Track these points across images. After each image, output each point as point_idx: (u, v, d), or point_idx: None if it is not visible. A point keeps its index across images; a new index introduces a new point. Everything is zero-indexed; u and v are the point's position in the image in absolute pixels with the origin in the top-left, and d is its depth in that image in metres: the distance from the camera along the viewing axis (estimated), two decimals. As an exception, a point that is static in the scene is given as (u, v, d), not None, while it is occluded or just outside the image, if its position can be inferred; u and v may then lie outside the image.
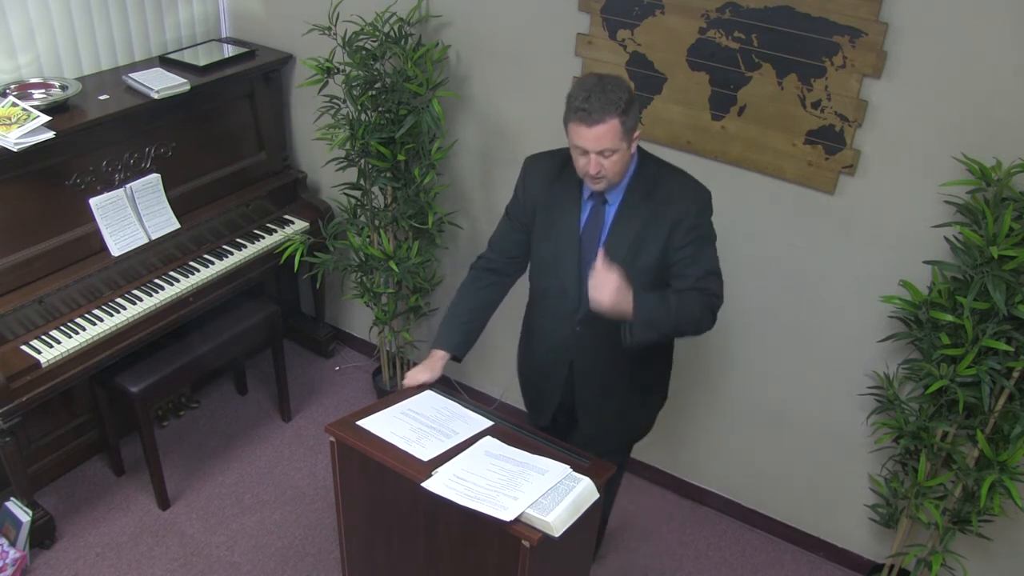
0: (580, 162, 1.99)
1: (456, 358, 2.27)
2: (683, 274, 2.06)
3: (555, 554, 1.91)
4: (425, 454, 1.97)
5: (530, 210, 2.18)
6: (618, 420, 2.35)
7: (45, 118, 2.58)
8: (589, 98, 1.89)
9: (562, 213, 2.12)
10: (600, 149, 1.93)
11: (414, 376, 2.22)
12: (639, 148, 2.07)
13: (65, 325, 2.70)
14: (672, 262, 2.07)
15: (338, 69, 2.88)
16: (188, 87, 2.97)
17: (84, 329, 2.71)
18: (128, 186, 2.90)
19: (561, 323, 2.21)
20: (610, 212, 2.09)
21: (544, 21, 2.74)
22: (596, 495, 1.91)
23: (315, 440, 3.39)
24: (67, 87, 2.81)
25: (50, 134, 2.57)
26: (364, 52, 2.81)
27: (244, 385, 3.58)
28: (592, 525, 2.08)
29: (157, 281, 2.95)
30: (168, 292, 2.91)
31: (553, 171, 2.14)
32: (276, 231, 3.31)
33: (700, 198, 2.07)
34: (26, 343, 2.62)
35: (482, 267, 2.31)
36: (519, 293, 3.27)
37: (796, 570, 2.99)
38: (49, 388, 2.60)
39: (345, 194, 3.11)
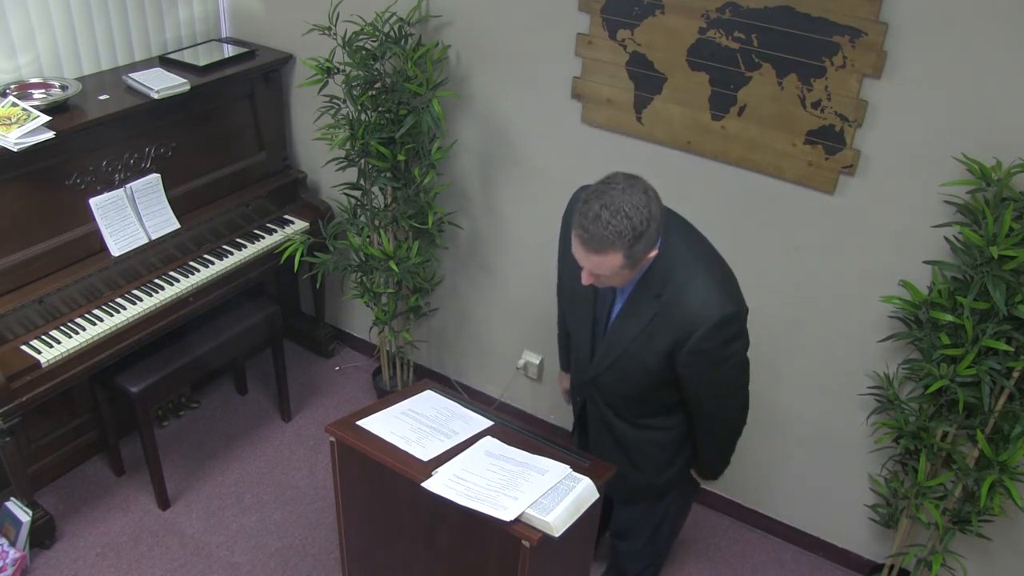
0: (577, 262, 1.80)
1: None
2: (699, 406, 2.01)
3: (555, 554, 1.91)
4: (425, 454, 1.97)
5: (567, 244, 2.04)
6: (630, 469, 2.20)
7: (45, 118, 2.57)
8: (598, 218, 1.65)
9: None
10: (596, 273, 1.76)
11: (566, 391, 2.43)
12: (663, 233, 1.82)
13: (65, 325, 2.70)
14: (682, 380, 1.91)
15: (338, 69, 2.88)
16: (188, 87, 2.97)
17: (84, 329, 2.71)
18: (128, 186, 2.90)
19: (580, 368, 2.15)
20: (619, 299, 1.95)
21: (544, 21, 2.74)
22: (596, 495, 1.91)
23: (315, 440, 3.38)
24: (67, 87, 2.81)
25: (50, 134, 2.57)
26: (364, 52, 2.81)
27: (244, 385, 3.58)
28: (592, 525, 2.08)
29: (157, 281, 2.95)
30: (168, 292, 2.91)
31: None
32: (276, 231, 3.31)
33: (708, 317, 1.79)
34: (26, 343, 2.62)
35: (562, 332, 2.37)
36: (512, 288, 3.26)
37: (796, 570, 2.99)
38: (49, 388, 2.60)
39: (345, 194, 3.11)
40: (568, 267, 2.02)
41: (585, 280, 1.80)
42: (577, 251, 1.75)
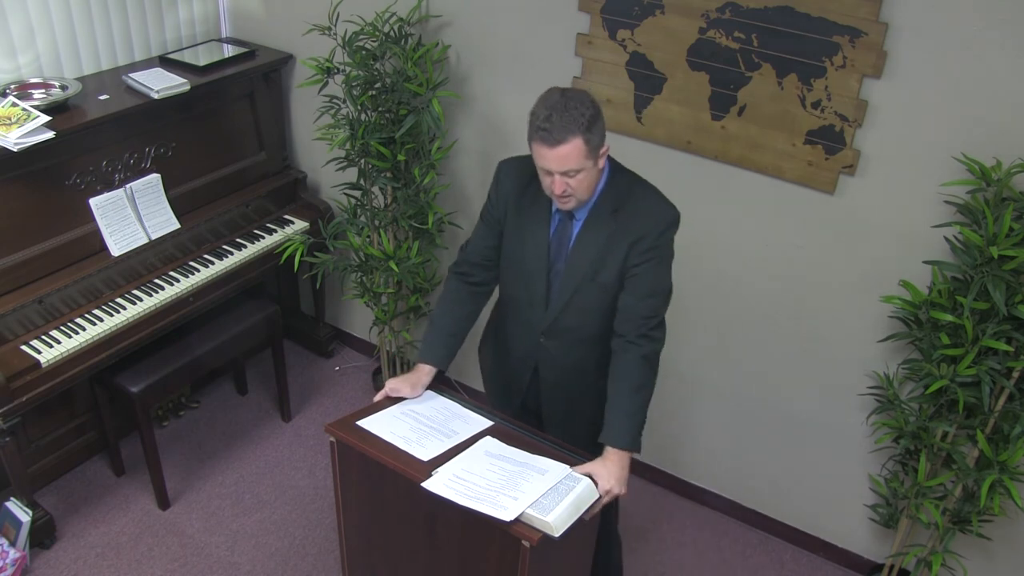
0: (546, 182, 1.94)
1: (440, 371, 2.24)
2: (630, 299, 2.00)
3: (555, 554, 1.91)
4: (425, 454, 1.97)
5: (502, 213, 2.13)
6: (585, 428, 2.21)
7: (45, 118, 2.57)
8: (551, 117, 1.83)
9: (532, 222, 2.08)
10: (564, 170, 1.87)
11: (397, 387, 2.17)
12: (610, 161, 2.02)
13: (65, 325, 2.70)
14: (625, 277, 2.03)
15: (338, 69, 2.88)
16: (188, 87, 2.97)
17: (84, 329, 2.70)
18: (128, 186, 2.90)
19: (526, 332, 2.17)
20: (576, 226, 2.04)
21: (544, 21, 2.74)
22: (596, 495, 1.91)
23: (315, 440, 3.39)
24: (67, 87, 2.81)
25: (50, 134, 2.57)
26: (364, 52, 2.81)
27: (244, 385, 3.58)
28: (592, 525, 2.08)
29: (157, 281, 2.95)
30: (168, 292, 2.91)
31: (525, 177, 2.08)
32: (276, 231, 3.31)
33: (665, 217, 2.00)
34: (26, 343, 2.62)
35: (460, 280, 2.25)
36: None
37: (796, 570, 2.99)
38: (49, 388, 2.60)
39: (345, 194, 3.11)
40: (516, 217, 2.10)
41: (558, 188, 1.90)
42: (542, 155, 1.88)
